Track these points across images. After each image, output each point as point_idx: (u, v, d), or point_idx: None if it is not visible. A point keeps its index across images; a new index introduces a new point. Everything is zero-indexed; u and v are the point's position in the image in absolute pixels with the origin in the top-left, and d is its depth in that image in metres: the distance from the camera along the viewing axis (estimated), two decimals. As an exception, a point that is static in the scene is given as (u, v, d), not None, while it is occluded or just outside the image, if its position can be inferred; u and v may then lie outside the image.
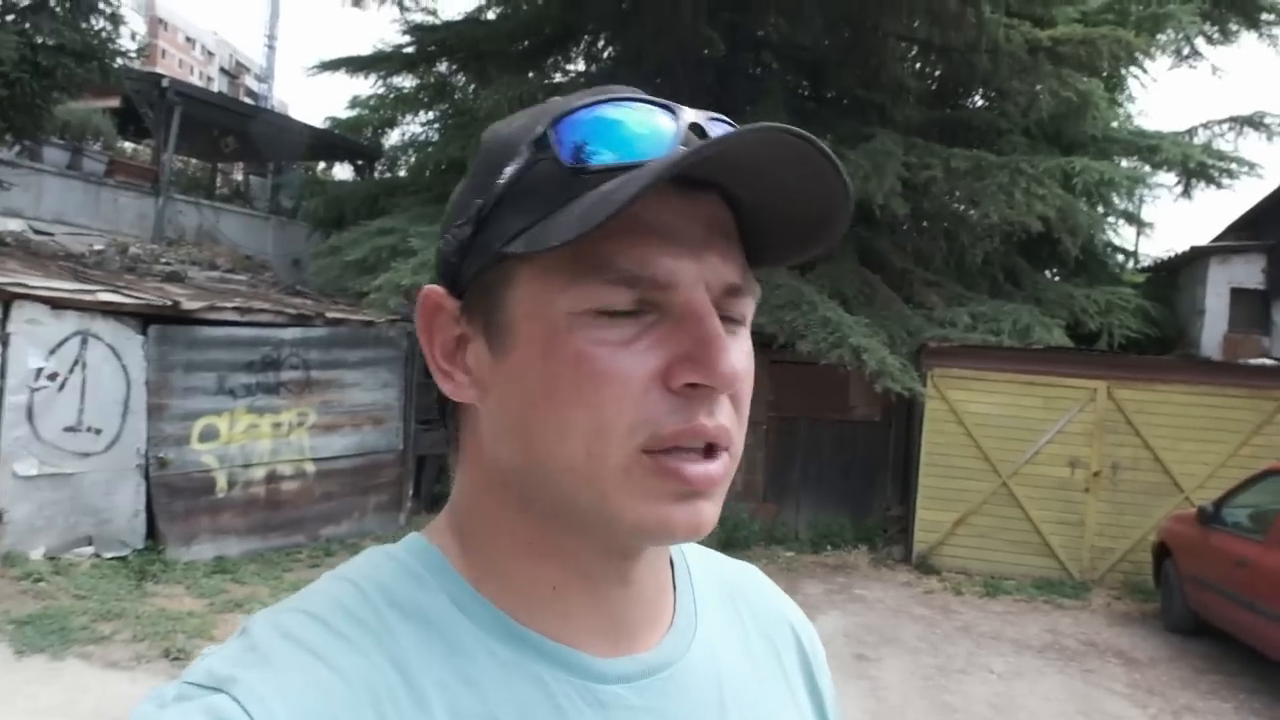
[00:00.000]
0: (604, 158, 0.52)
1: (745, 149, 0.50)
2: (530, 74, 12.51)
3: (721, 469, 0.54)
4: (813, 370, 9.31)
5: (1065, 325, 10.25)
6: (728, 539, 9.24)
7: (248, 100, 30.44)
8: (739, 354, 0.54)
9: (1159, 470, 8.73)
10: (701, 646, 0.64)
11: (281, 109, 32.18)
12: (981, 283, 11.25)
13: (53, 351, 6.31)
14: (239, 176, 20.64)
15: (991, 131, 11.35)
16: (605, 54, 12.92)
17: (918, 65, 11.80)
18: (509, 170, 0.54)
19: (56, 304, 6.34)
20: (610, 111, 0.54)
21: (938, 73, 11.95)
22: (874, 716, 5.35)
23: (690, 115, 0.55)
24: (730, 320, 0.55)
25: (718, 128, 0.55)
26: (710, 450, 0.53)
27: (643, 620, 0.62)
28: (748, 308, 0.57)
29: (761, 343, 9.64)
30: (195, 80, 50.16)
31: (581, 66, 13.21)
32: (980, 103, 12.67)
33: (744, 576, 0.76)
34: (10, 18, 7.81)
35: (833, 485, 10.22)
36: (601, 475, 0.52)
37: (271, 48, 37.39)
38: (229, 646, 0.52)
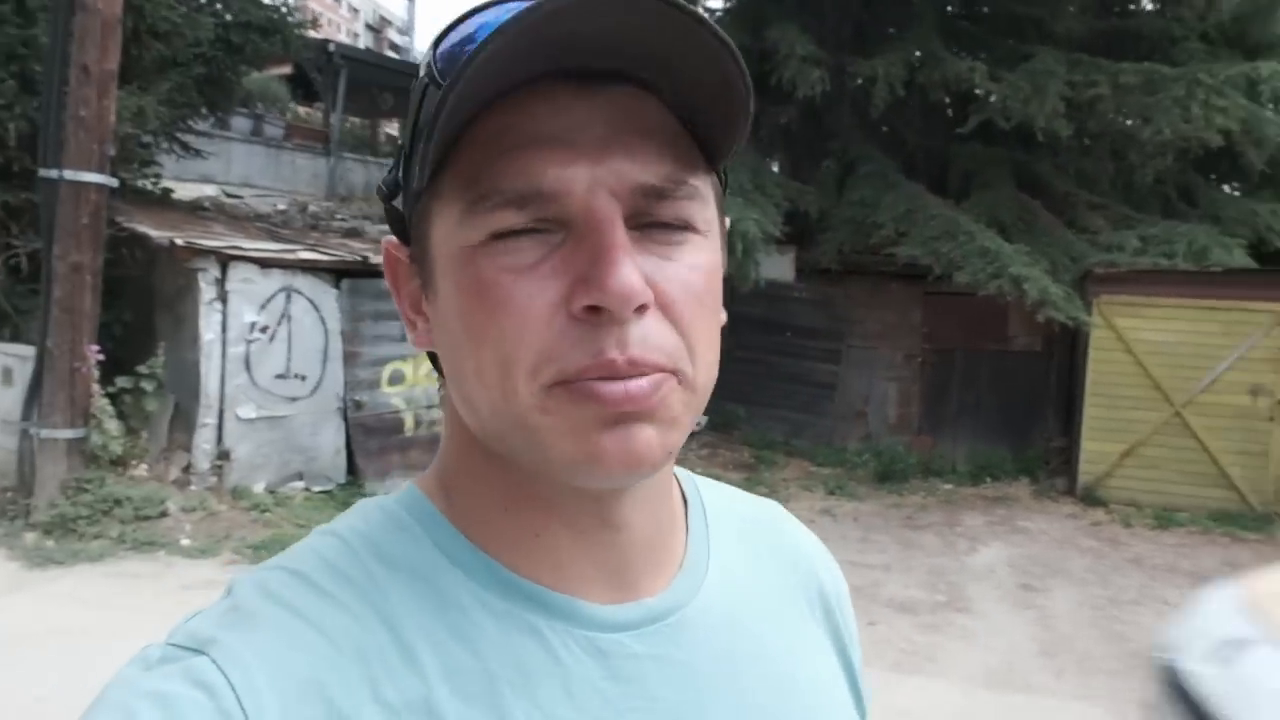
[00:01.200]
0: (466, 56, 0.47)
1: (602, 23, 0.45)
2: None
3: (650, 384, 0.48)
4: (969, 301, 9.16)
5: (1248, 245, 9.61)
6: (884, 471, 9.31)
7: (391, 54, 31.46)
8: (663, 271, 0.49)
9: (1353, 396, 8.23)
10: (712, 589, 0.61)
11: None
12: (1152, 203, 10.68)
13: (263, 306, 6.97)
14: (395, 132, 21.52)
15: (1164, 40, 10.60)
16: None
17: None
18: (413, 105, 0.52)
19: (265, 263, 6.98)
20: (485, 17, 0.51)
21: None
22: (1043, 645, 5.40)
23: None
24: (664, 227, 0.50)
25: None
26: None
27: (645, 564, 0.58)
28: (694, 213, 0.51)
29: (915, 275, 9.55)
30: (342, 37, 52.04)
31: (720, 2, 13.10)
32: (1150, 8, 11.85)
33: (764, 513, 0.73)
34: (204, 1, 8.47)
35: (991, 417, 10.08)
36: (521, 415, 0.49)
37: (412, 1, 38.24)
38: (213, 607, 0.52)
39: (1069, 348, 9.61)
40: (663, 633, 0.57)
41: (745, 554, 0.66)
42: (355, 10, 69.84)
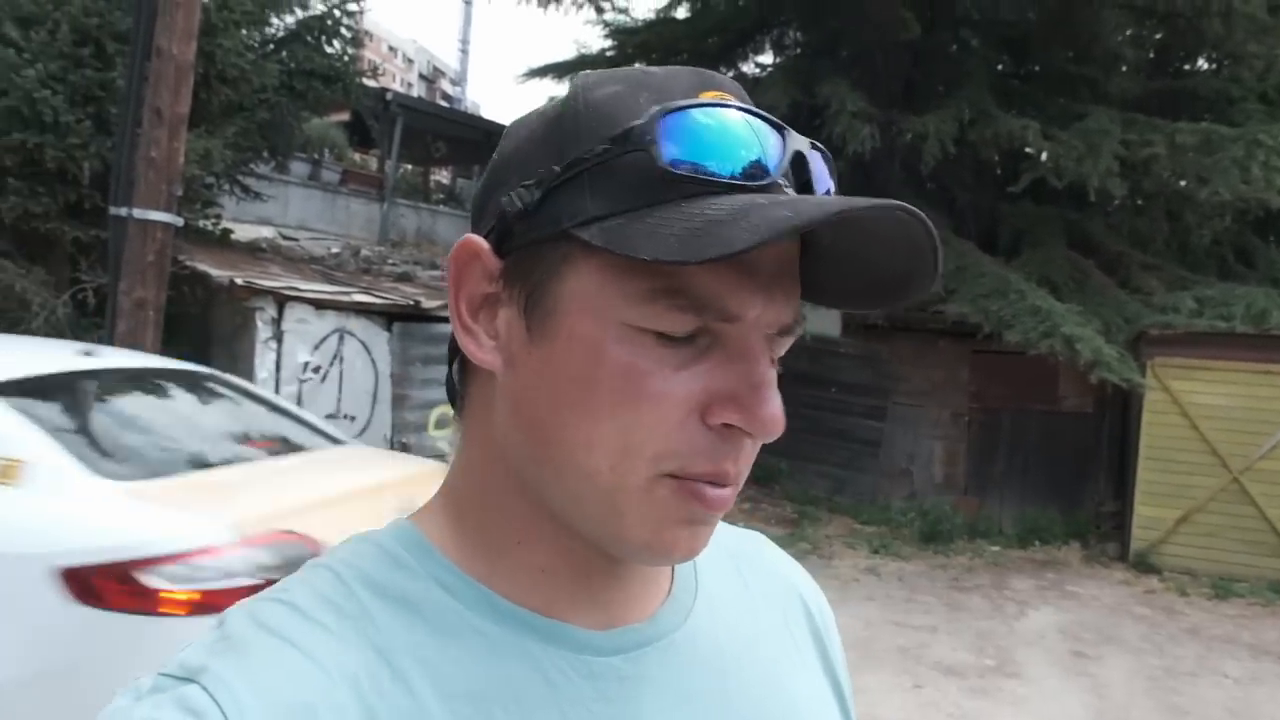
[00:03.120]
0: (706, 170, 0.49)
1: (865, 213, 0.47)
2: (721, 68, 12.70)
3: (730, 495, 0.53)
4: (1017, 360, 9.04)
5: (1309, 308, 9.43)
6: (931, 532, 9.15)
7: (443, 103, 32.19)
8: (779, 400, 0.52)
9: None
10: (701, 614, 0.63)
11: (474, 110, 33.79)
12: (1208, 264, 10.53)
13: (316, 347, 7.08)
14: (445, 179, 21.95)
15: (1221, 100, 10.53)
16: (795, 44, 12.90)
17: (1133, 32, 11.12)
18: (596, 145, 0.50)
19: (319, 304, 7.12)
20: (721, 118, 0.50)
21: (1157, 37, 11.22)
22: (1098, 714, 5.24)
23: (795, 141, 0.52)
24: (772, 361, 0.54)
25: (817, 161, 0.53)
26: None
27: (636, 592, 0.60)
28: (787, 347, 0.55)
29: (963, 333, 9.47)
30: (397, 86, 53.40)
31: (770, 59, 13.26)
32: (1206, 68, 11.79)
33: (748, 543, 0.75)
34: (271, 48, 8.75)
35: (1039, 479, 9.88)
36: (621, 492, 0.51)
37: (465, 52, 39.18)
38: (205, 638, 0.52)
39: (1121, 410, 9.43)
40: (653, 656, 0.58)
41: (731, 582, 0.68)
42: (410, 61, 71.72)
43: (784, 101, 9.88)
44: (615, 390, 0.50)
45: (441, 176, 22.26)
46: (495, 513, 0.57)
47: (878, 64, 10.73)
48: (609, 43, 13.47)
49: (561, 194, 0.51)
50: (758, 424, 0.50)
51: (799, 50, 12.55)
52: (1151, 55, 11.32)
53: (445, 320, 8.07)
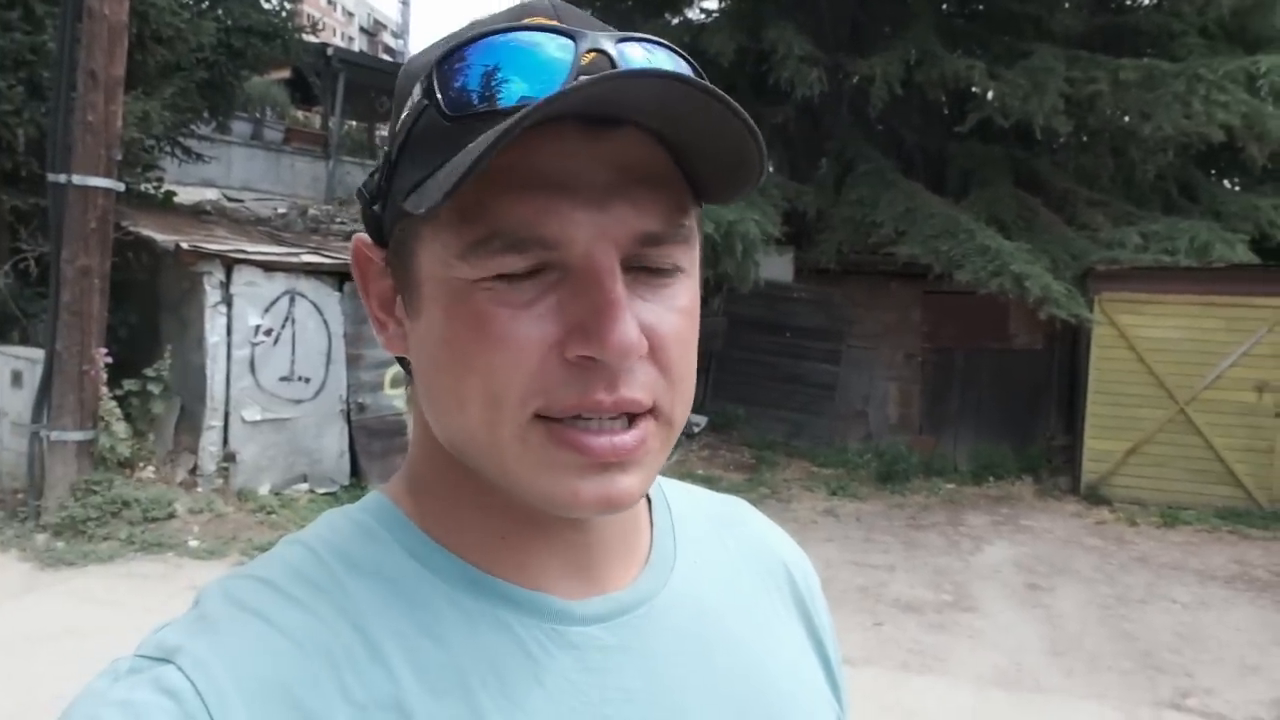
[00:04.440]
0: (487, 103, 0.48)
1: (620, 94, 0.46)
2: (666, 14, 12.53)
3: (635, 438, 0.50)
4: (968, 300, 9.17)
5: (1250, 240, 9.64)
6: (886, 472, 9.33)
7: (386, 57, 31.49)
8: (654, 316, 0.51)
9: (1358, 391, 8.24)
10: (680, 581, 0.62)
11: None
12: (1153, 199, 10.70)
13: (267, 309, 6.98)
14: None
15: (1163, 35, 10.62)
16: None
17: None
18: (404, 116, 0.51)
19: (268, 267, 6.99)
20: (496, 44, 0.49)
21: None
22: (1051, 643, 5.41)
23: (598, 41, 0.49)
24: (655, 271, 0.51)
25: (628, 51, 0.50)
26: (632, 417, 0.50)
27: (611, 559, 0.59)
28: (682, 255, 0.52)
29: (914, 274, 9.58)
30: (338, 41, 52.08)
31: (715, 4, 13.11)
32: (1148, 3, 11.87)
33: (731, 510, 0.74)
34: (205, 5, 8.48)
35: (992, 416, 10.09)
36: (498, 446, 0.50)
37: (405, 4, 38.22)
38: (182, 618, 0.52)
39: (1070, 345, 9.63)
40: (632, 624, 0.57)
41: (712, 548, 0.67)
42: (350, 14, 69.87)
43: (730, 47, 9.81)
44: (470, 342, 0.49)
45: (387, 132, 21.86)
46: (446, 482, 0.57)
47: (823, 7, 10.67)
48: (553, -9, 13.20)
49: (398, 171, 0.52)
50: (608, 349, 0.47)
51: (745, -6, 12.42)
52: (1095, -9, 11.36)
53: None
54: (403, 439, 7.84)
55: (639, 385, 0.50)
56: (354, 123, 19.22)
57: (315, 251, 7.88)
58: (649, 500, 0.66)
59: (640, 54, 0.50)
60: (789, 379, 10.52)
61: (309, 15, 10.83)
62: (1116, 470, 8.84)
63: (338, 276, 7.40)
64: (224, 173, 12.40)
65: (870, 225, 9.63)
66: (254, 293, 6.92)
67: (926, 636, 5.43)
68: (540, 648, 0.54)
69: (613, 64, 0.48)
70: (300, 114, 18.15)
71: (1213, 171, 11.54)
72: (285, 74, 14.82)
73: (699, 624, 0.61)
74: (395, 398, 7.77)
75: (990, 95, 9.55)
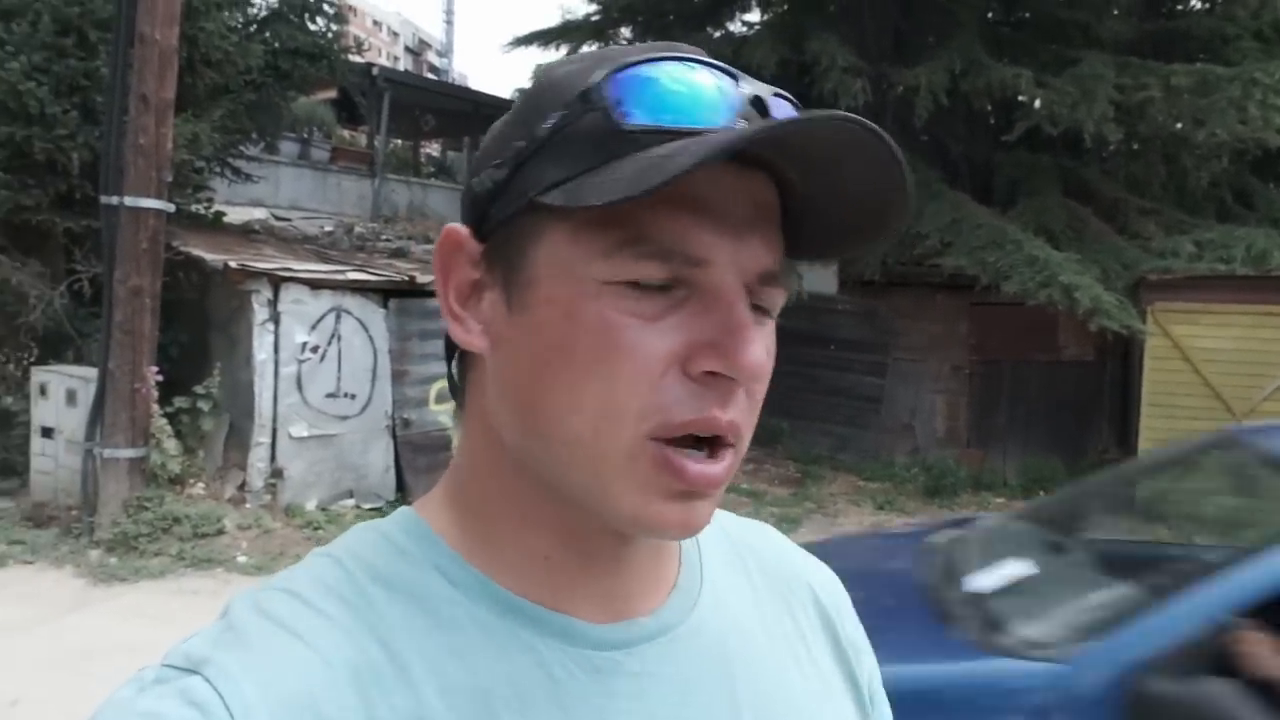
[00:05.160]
0: (658, 120, 0.49)
1: (811, 134, 0.48)
2: (708, 28, 12.56)
3: (724, 470, 0.52)
4: (1017, 311, 9.02)
5: (1308, 248, 9.39)
6: (934, 486, 9.19)
7: (431, 76, 31.92)
8: (762, 346, 0.52)
9: None
10: (706, 608, 0.62)
11: (461, 82, 33.49)
12: (1207, 207, 10.48)
13: (313, 327, 7.07)
14: (435, 153, 21.82)
15: (1216, 40, 10.41)
16: (782, 1, 12.75)
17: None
18: (555, 116, 0.51)
19: (315, 284, 7.09)
20: (670, 71, 0.50)
21: (1151, -16, 11.10)
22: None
23: (752, 87, 0.52)
24: (759, 310, 0.53)
25: (781, 105, 0.53)
26: (716, 447, 0.51)
27: (641, 585, 0.59)
28: (778, 299, 0.54)
29: (961, 285, 9.44)
30: (383, 60, 52.96)
31: (757, 16, 13.11)
32: (1200, 7, 11.65)
33: (755, 535, 0.74)
34: (253, 28, 8.66)
35: (1042, 429, 9.90)
36: (605, 456, 0.50)
37: (450, 23, 38.79)
38: (210, 628, 0.52)
39: (1122, 357, 9.44)
40: (657, 651, 0.57)
41: (737, 574, 0.67)
42: (395, 34, 71.03)
43: (772, 59, 9.79)
44: (593, 348, 0.49)
45: (432, 150, 22.13)
46: (495, 498, 0.56)
47: (866, 17, 10.62)
48: (593, 7, 13.32)
49: (528, 167, 0.52)
50: (737, 367, 0.49)
51: (786, 6, 12.40)
52: (1144, -3, 11.18)
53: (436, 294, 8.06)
54: (447, 454, 7.88)
55: (740, 411, 0.52)
56: (399, 141, 19.51)
57: (361, 269, 7.98)
58: None
59: (784, 107, 0.53)
60: (833, 392, 10.42)
61: (355, 36, 11.00)
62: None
63: (383, 293, 7.49)
64: (272, 192, 12.63)
65: (916, 236, 9.51)
66: (301, 310, 7.02)
67: (976, 655, 5.32)
68: (565, 672, 0.54)
69: (764, 110, 0.51)
70: (346, 133, 18.45)
71: (1270, 178, 11.26)
72: (331, 94, 15.07)
73: (724, 651, 0.61)
74: (440, 413, 7.82)
75: (1038, 104, 9.41)
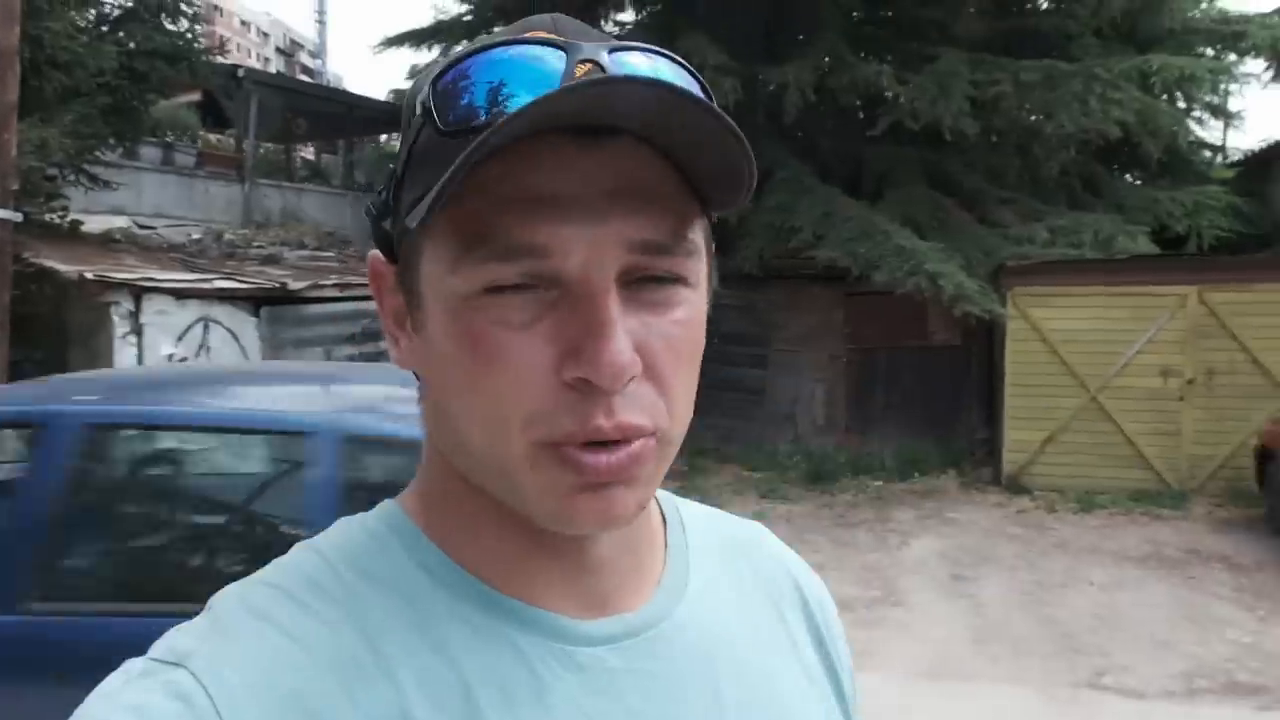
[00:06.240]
0: (472, 118, 0.48)
1: (599, 102, 0.45)
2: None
3: (626, 457, 0.49)
4: (888, 300, 9.34)
5: (1150, 231, 10.04)
6: (815, 472, 9.45)
7: (305, 78, 31.04)
8: (650, 331, 0.50)
9: (1258, 372, 8.56)
10: (692, 605, 0.61)
11: (336, 83, 32.64)
12: (1059, 195, 11.07)
13: (180, 338, 6.83)
14: (310, 156, 21.23)
15: (1060, 37, 11.01)
16: (655, 0, 12.88)
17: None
18: (411, 131, 0.51)
19: (180, 294, 6.85)
20: (487, 60, 0.49)
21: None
22: (976, 632, 5.53)
23: (591, 52, 0.49)
24: (656, 281, 0.50)
25: (638, 62, 0.50)
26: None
27: (621, 581, 0.59)
28: (685, 266, 0.51)
29: (835, 277, 9.75)
30: (253, 62, 51.22)
31: (631, 16, 13.21)
32: (1046, 6, 12.29)
33: (747, 533, 0.74)
34: (105, 29, 8.27)
35: (916, 413, 10.29)
36: (504, 465, 0.50)
37: (322, 23, 37.73)
38: (196, 622, 0.52)
39: (987, 341, 9.88)
40: (640, 647, 0.57)
41: (726, 572, 0.66)
42: (265, 35, 68.74)
43: (645, 59, 9.87)
44: (471, 361, 0.49)
45: (307, 153, 21.52)
46: (458, 501, 0.56)
47: (736, 17, 10.82)
48: (465, 6, 13.20)
49: (403, 189, 0.52)
50: (600, 371, 0.47)
51: (659, 6, 12.54)
52: (995, -4, 11.73)
53: (316, 301, 7.87)
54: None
55: (638, 408, 0.49)
56: (271, 145, 18.90)
57: (229, 277, 7.74)
58: (664, 521, 0.66)
59: (643, 62, 0.50)
60: (718, 385, 10.59)
61: (219, 36, 10.61)
62: (1035, 460, 9.09)
63: (254, 302, 7.28)
64: (134, 199, 12.06)
65: (789, 230, 9.77)
66: (165, 321, 6.77)
67: (857, 633, 5.50)
68: (547, 668, 0.53)
69: (604, 71, 0.48)
70: (214, 137, 17.79)
71: (1114, 167, 11.97)
72: (195, 96, 14.52)
73: (709, 649, 0.60)
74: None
75: (900, 99, 9.78)
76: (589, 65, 0.48)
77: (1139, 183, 12.04)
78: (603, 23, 13.09)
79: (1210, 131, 13.45)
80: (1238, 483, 8.39)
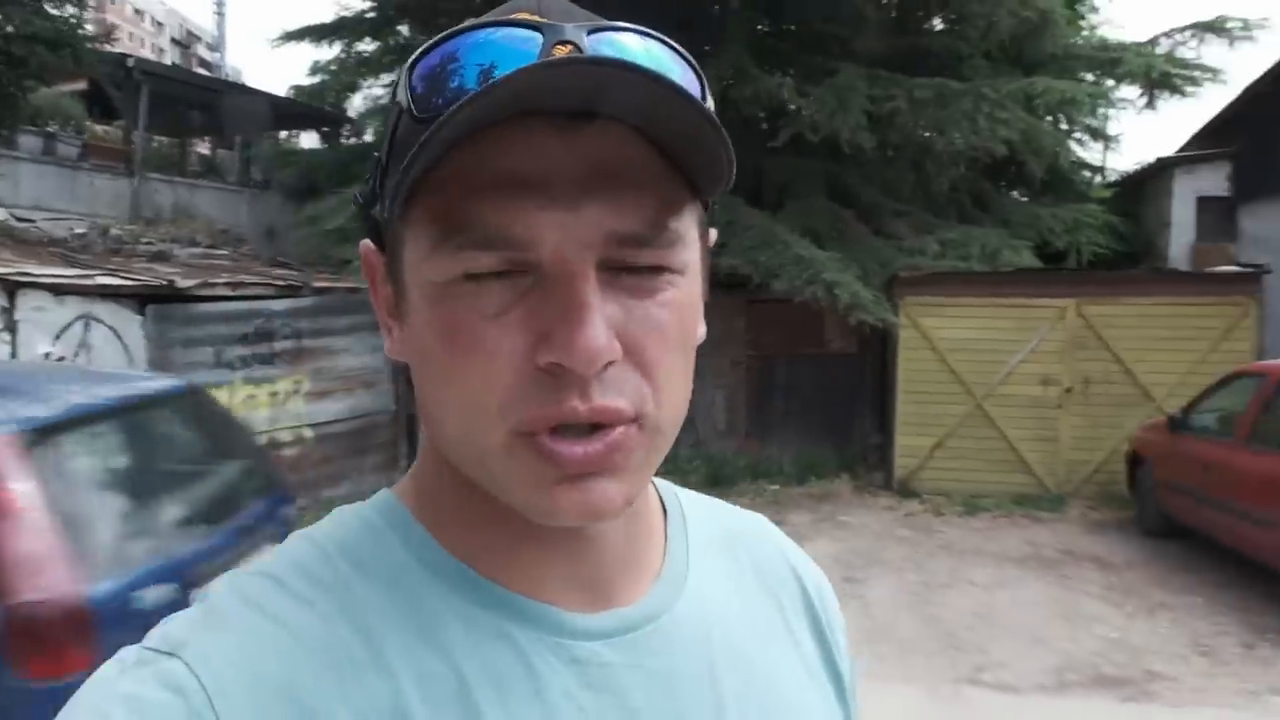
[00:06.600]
0: (442, 105, 0.47)
1: (551, 84, 0.44)
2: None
3: (604, 446, 0.48)
4: (788, 308, 9.52)
5: (1033, 246, 10.50)
6: (714, 476, 9.58)
7: (202, 71, 30.00)
8: (633, 316, 0.49)
9: (1130, 382, 9.00)
10: (691, 599, 0.61)
11: (235, 77, 31.62)
12: (949, 210, 11.46)
13: (58, 336, 6.52)
14: (206, 151, 20.52)
15: (952, 58, 11.40)
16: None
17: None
18: (388, 124, 0.52)
19: (58, 290, 6.54)
20: (463, 43, 0.48)
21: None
22: (866, 633, 5.67)
23: (568, 33, 0.48)
24: (638, 270, 0.49)
25: (617, 42, 0.49)
26: (597, 428, 0.48)
27: (619, 574, 0.58)
28: (669, 256, 0.50)
29: (737, 284, 9.90)
30: (147, 53, 49.33)
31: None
32: (941, 27, 12.73)
33: (747, 524, 0.73)
34: (-21, 11, 7.87)
35: (813, 418, 10.51)
36: (483, 456, 0.50)
37: (221, 15, 36.53)
38: (191, 611, 0.52)
39: (881, 349, 10.16)
40: (638, 642, 0.56)
41: (727, 566, 0.66)
42: (160, 25, 66.19)
43: (550, 63, 9.87)
44: (447, 350, 0.49)
45: (202, 148, 20.79)
46: (452, 492, 0.55)
47: (642, 26, 10.87)
48: (369, 3, 12.95)
49: (387, 176, 0.51)
50: (574, 355, 0.46)
51: (567, 10, 12.53)
52: (894, 15, 12.09)
53: (206, 300, 7.62)
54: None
55: (617, 392, 0.48)
56: (163, 138, 18.21)
57: (113, 273, 7.42)
58: (665, 512, 0.65)
59: (635, 43, 0.49)
60: (621, 390, 10.62)
61: (109, 23, 10.17)
62: (924, 464, 9.39)
63: (139, 299, 7.00)
64: (11, 191, 11.44)
65: (694, 238, 9.85)
66: (42, 318, 6.45)
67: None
68: (543, 662, 0.53)
69: (581, 53, 0.47)
70: (100, 128, 17.03)
71: (1001, 184, 12.46)
72: (80, 85, 13.88)
73: (708, 643, 0.59)
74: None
75: (802, 112, 10.00)
76: (568, 47, 0.47)
77: (1024, 200, 12.57)
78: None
79: (1090, 152, 14.13)
80: (1111, 486, 8.82)
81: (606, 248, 0.48)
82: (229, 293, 7.85)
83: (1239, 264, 10.75)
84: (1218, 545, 6.81)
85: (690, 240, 0.52)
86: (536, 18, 0.49)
